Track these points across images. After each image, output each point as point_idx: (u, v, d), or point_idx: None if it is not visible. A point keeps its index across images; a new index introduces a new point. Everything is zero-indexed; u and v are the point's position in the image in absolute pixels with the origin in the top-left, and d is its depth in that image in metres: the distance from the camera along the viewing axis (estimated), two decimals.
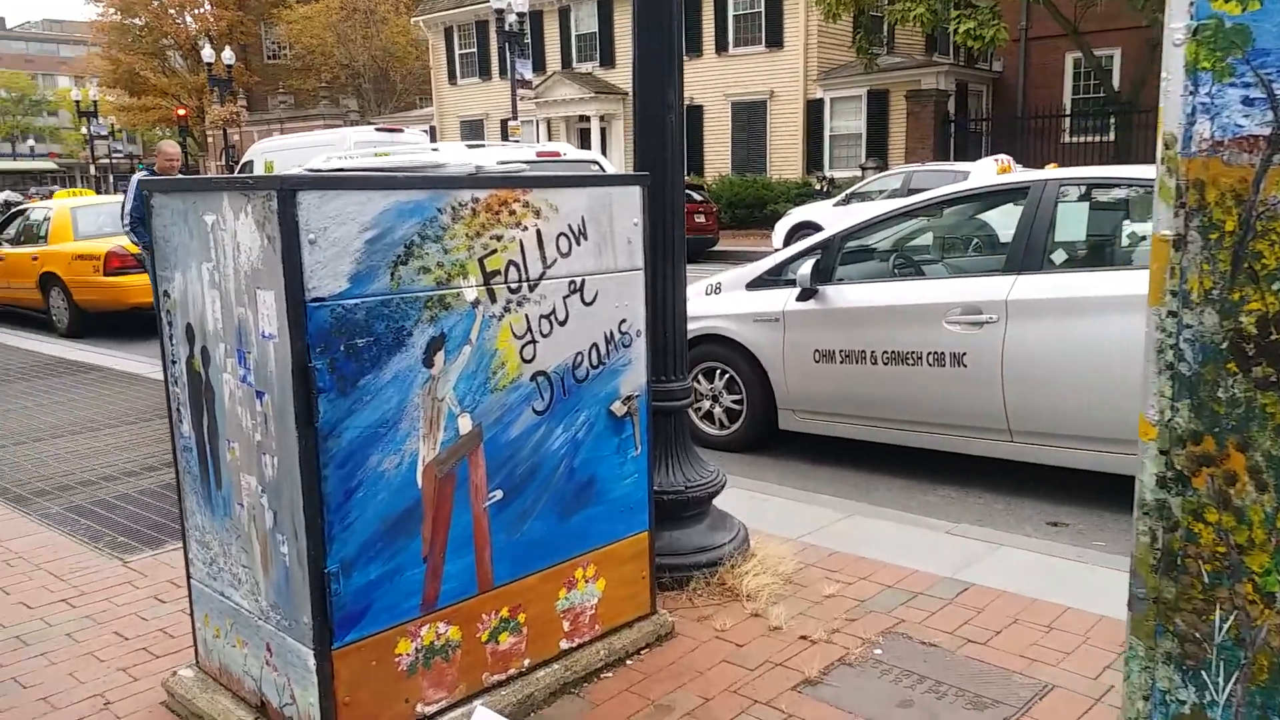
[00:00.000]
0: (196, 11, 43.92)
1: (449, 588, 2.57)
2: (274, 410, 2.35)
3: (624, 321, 2.94)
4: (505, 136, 25.76)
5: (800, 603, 3.40)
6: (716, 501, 3.71)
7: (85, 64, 50.26)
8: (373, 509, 2.39)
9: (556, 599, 2.86)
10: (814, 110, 24.31)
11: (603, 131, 27.43)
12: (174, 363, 2.73)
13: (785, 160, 24.72)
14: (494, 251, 2.58)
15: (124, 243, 9.74)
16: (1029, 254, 4.67)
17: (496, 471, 2.65)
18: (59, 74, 72.76)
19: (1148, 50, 18.81)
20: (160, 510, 4.45)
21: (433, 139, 23.68)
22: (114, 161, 46.04)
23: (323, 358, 2.26)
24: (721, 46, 25.47)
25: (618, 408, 2.93)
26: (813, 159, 24.31)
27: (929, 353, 4.78)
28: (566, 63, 28.76)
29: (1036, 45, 24.15)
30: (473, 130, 31.16)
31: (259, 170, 14.11)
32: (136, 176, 7.83)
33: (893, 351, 4.90)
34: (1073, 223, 4.99)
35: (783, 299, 5.33)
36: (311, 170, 2.79)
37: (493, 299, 2.59)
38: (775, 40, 24.50)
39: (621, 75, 26.80)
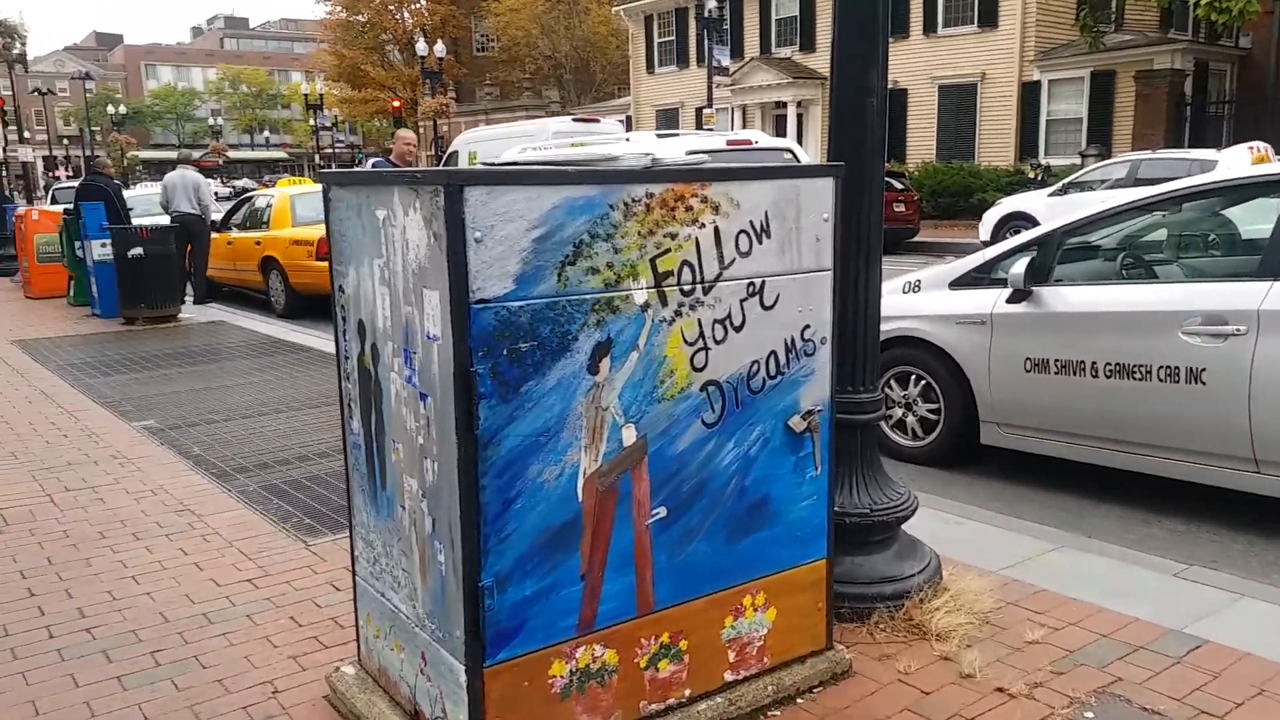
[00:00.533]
0: (413, 7, 46.45)
1: (607, 608, 2.42)
2: (435, 414, 2.26)
3: (807, 328, 2.69)
4: (699, 125, 25.68)
5: (998, 648, 3.04)
6: (906, 525, 3.39)
7: (314, 60, 54.26)
8: (530, 521, 2.27)
9: (722, 627, 2.65)
10: (1029, 93, 22.77)
11: (799, 118, 26.84)
12: (346, 359, 2.71)
13: (995, 146, 23.32)
14: (667, 251, 2.39)
15: None
16: None
17: (661, 487, 2.47)
18: (292, 69, 79.04)
19: None
20: (344, 494, 4.56)
21: (628, 129, 23.88)
22: (336, 151, 49.50)
23: (485, 362, 2.14)
24: (930, 27, 24.30)
25: (796, 423, 2.68)
26: (1026, 145, 22.80)
27: (1160, 367, 4.22)
28: (765, 48, 28.30)
29: None
30: (668, 119, 31.28)
31: (463, 160, 14.63)
32: (370, 163, 8.18)
33: (1117, 364, 4.36)
34: None
35: (991, 300, 4.87)
36: (487, 164, 2.69)
37: (664, 302, 2.40)
38: (989, 19, 23.10)
39: (821, 60, 26.09)
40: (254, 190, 18.65)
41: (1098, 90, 21.71)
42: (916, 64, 24.33)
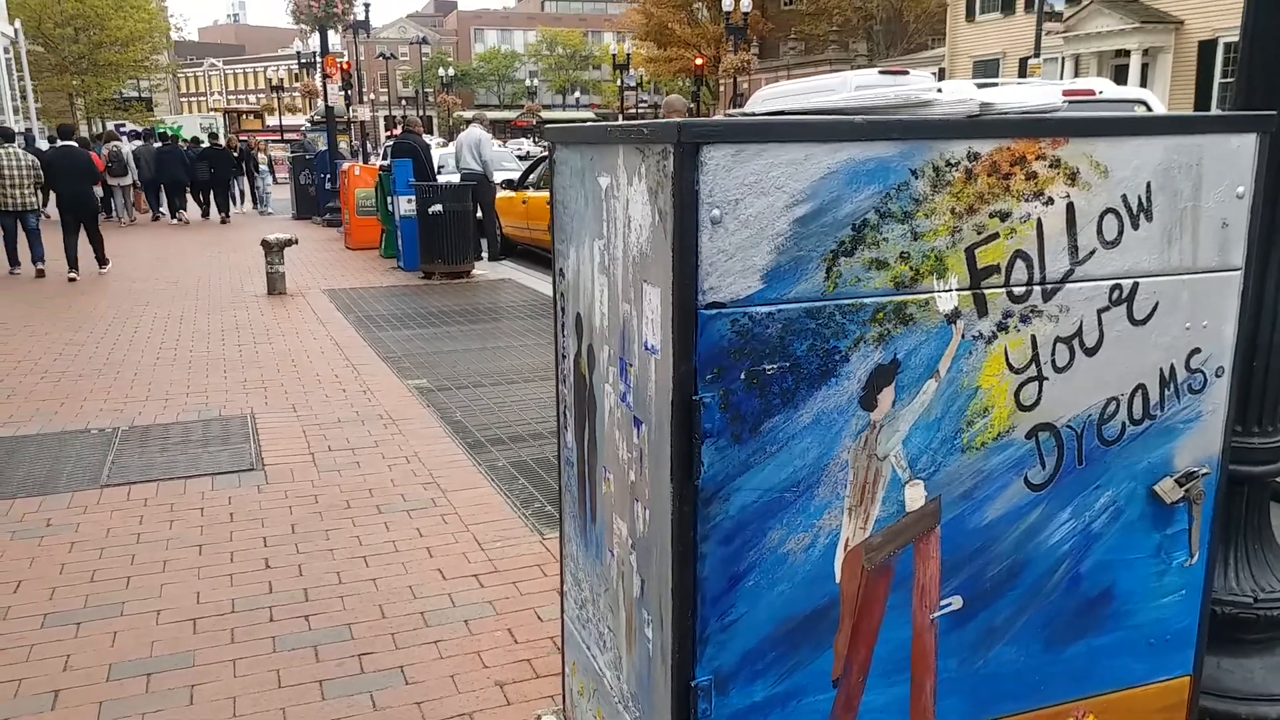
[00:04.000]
0: None
1: None
2: (649, 447, 1.71)
3: (1196, 352, 1.84)
4: (1022, 76, 23.33)
5: None
6: None
7: (625, 19, 55.46)
8: (766, 605, 1.66)
9: None
10: None
11: (1144, 68, 23.60)
12: (564, 358, 2.22)
13: None
14: (993, 237, 1.65)
15: None
16: None
17: (956, 569, 1.76)
18: (604, 30, 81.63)
19: None
20: None
21: (940, 80, 22.15)
22: (640, 111, 50.51)
23: (713, 387, 1.55)
24: None
25: (1168, 489, 1.85)
26: None
27: None
28: None
29: None
30: (986, 71, 28.81)
31: None
32: None
33: None
34: None
35: None
36: (736, 113, 2.08)
37: (982, 310, 1.67)
38: None
39: (1175, 0, 22.70)
40: None
41: None
42: None
